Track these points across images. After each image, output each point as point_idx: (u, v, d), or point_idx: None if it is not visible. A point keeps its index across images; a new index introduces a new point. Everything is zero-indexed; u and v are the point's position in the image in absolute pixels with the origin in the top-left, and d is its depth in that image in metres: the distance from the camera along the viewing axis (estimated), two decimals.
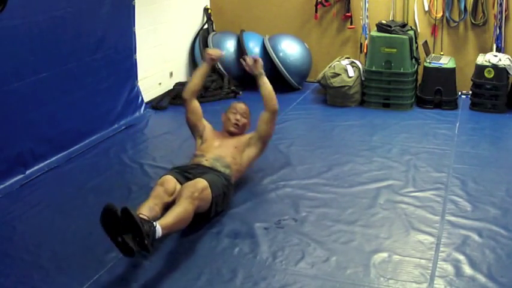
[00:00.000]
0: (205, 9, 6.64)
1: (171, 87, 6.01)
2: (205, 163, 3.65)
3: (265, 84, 3.94)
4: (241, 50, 6.15)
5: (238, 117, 3.98)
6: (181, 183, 3.42)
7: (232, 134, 3.95)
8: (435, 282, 2.88)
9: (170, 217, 3.01)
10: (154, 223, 2.86)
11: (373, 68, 5.62)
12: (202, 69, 4.08)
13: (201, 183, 3.31)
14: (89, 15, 4.62)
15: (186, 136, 4.89)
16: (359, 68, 5.74)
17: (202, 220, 3.39)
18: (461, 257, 3.07)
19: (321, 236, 3.30)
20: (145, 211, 3.06)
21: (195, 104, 4.01)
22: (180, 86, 5.99)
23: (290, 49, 6.08)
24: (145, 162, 4.38)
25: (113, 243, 2.81)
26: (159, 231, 2.84)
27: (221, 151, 3.76)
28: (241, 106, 4.07)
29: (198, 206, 3.22)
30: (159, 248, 3.16)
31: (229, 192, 3.59)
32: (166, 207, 3.29)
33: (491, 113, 5.42)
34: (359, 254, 3.12)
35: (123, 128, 5.09)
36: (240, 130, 3.98)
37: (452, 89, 5.61)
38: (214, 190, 3.38)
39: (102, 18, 4.79)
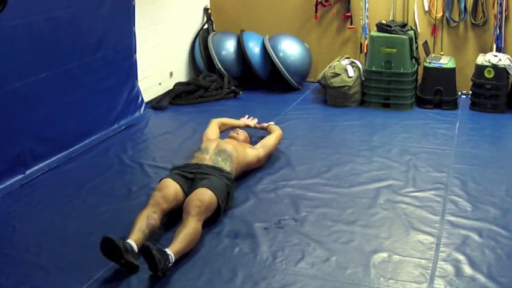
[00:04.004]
0: (205, 9, 6.63)
1: (171, 87, 6.01)
2: (208, 161, 3.70)
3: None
4: (241, 50, 6.16)
5: (239, 130, 4.40)
6: (182, 187, 3.45)
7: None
8: (435, 282, 2.88)
9: (180, 242, 3.03)
10: (169, 256, 2.90)
11: (373, 68, 5.61)
12: (235, 123, 4.63)
13: (206, 195, 3.34)
14: (89, 15, 4.62)
15: (186, 136, 4.91)
16: (359, 68, 5.74)
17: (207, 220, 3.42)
18: (461, 257, 3.08)
19: (321, 236, 3.31)
20: (143, 222, 3.12)
21: (217, 128, 4.42)
22: (180, 86, 6.01)
23: (290, 49, 6.07)
24: (145, 162, 4.37)
25: (117, 265, 2.93)
26: (172, 260, 2.91)
27: (224, 143, 3.94)
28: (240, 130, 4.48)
29: (205, 218, 3.29)
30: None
31: (232, 191, 3.64)
32: (167, 213, 3.35)
33: (491, 113, 5.42)
34: (359, 254, 3.12)
35: (123, 128, 5.08)
36: (241, 138, 4.24)
37: (452, 89, 5.61)
38: (220, 196, 3.42)
39: (102, 18, 4.78)
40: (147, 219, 3.15)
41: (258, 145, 4.23)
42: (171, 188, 3.42)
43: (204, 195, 3.32)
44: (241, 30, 6.32)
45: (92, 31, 4.68)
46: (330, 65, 5.87)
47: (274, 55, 6.00)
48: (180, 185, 3.46)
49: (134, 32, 5.25)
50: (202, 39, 6.37)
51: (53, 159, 4.32)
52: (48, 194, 3.90)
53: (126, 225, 3.22)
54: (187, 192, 3.43)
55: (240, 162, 3.88)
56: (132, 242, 2.98)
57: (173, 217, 3.41)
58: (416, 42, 5.68)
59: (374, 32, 5.67)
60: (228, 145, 3.91)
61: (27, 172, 4.09)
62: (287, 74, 6.05)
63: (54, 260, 3.10)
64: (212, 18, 6.63)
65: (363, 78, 5.71)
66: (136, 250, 2.97)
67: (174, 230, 3.29)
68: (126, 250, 2.90)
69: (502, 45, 5.68)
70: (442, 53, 5.92)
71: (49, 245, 3.25)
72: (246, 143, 4.26)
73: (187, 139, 4.82)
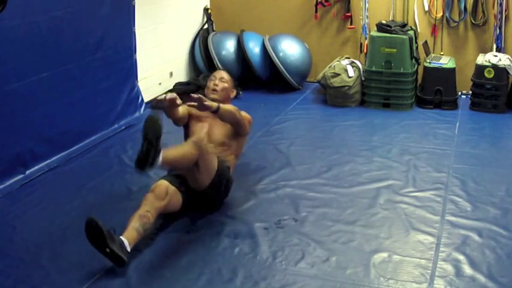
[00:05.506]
0: (205, 9, 6.64)
1: (171, 87, 6.01)
2: None
3: (225, 112, 3.58)
4: (241, 50, 6.16)
5: (217, 82, 3.92)
6: (172, 183, 3.39)
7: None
8: (435, 282, 2.88)
9: (172, 151, 3.10)
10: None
11: (373, 68, 5.62)
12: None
13: (209, 147, 3.37)
14: (89, 15, 4.62)
15: None
16: (359, 68, 5.74)
17: (204, 204, 3.46)
18: (461, 257, 3.07)
19: (321, 236, 3.30)
20: (136, 221, 3.09)
21: (183, 115, 3.85)
22: (180, 86, 6.01)
23: (290, 49, 6.08)
24: None
25: (102, 254, 2.89)
26: (159, 158, 2.96)
27: (212, 142, 3.71)
28: (219, 72, 4.05)
29: (201, 164, 3.24)
30: (159, 248, 3.17)
31: (230, 181, 3.61)
32: (161, 212, 3.29)
33: (491, 113, 5.42)
34: (359, 254, 3.12)
35: (123, 128, 5.08)
36: (221, 96, 3.85)
37: (452, 89, 5.62)
38: (219, 168, 3.40)
39: (102, 18, 4.78)
40: (140, 218, 3.11)
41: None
42: (162, 185, 3.36)
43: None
44: (241, 30, 6.32)
45: (92, 31, 4.68)
46: (330, 65, 5.87)
47: (274, 55, 6.00)
48: (170, 182, 3.39)
49: (134, 32, 5.25)
50: (202, 39, 6.38)
51: (53, 159, 4.32)
52: (48, 194, 3.89)
53: (126, 225, 3.22)
54: (179, 187, 3.40)
55: (235, 155, 3.81)
56: (124, 238, 2.97)
57: (171, 218, 3.41)
58: (416, 42, 5.69)
59: (374, 32, 5.67)
60: (219, 147, 3.71)
61: (27, 172, 4.09)
62: (287, 74, 6.05)
63: (54, 260, 3.10)
64: (212, 18, 6.64)
65: (363, 78, 5.71)
66: (128, 247, 2.96)
67: (171, 236, 3.30)
68: (110, 237, 2.88)
69: (502, 45, 5.69)
70: (442, 53, 5.92)
71: (49, 245, 3.25)
72: (226, 99, 3.89)
73: None
